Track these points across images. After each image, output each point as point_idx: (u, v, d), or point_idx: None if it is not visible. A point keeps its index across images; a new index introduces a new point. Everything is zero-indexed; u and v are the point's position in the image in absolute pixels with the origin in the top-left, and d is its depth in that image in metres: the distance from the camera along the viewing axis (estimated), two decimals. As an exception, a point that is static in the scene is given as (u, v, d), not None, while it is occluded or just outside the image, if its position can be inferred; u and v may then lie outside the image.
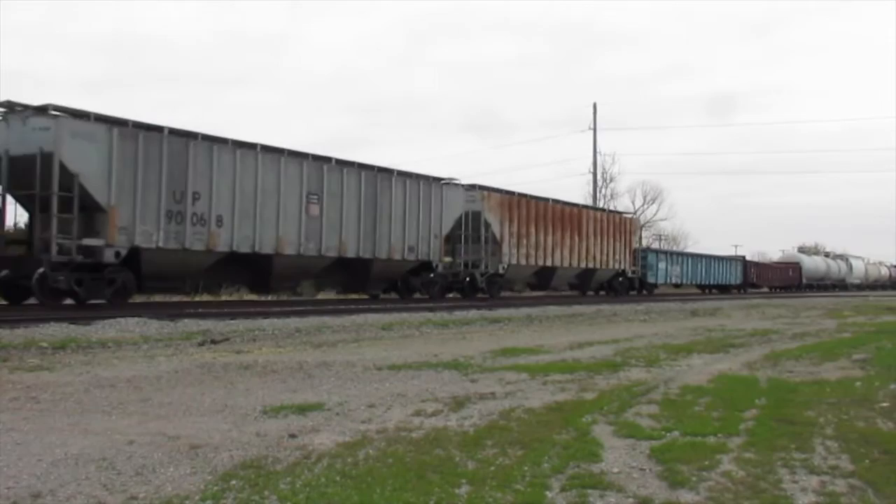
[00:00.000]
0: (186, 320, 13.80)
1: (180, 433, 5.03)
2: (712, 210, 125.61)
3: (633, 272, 37.44)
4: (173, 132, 17.48)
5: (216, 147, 18.33)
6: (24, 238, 17.34)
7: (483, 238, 27.04)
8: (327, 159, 21.27)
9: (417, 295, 24.69)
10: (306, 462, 4.36)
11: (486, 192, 27.46)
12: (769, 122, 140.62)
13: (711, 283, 49.29)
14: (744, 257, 58.28)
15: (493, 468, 4.29)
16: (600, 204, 61.49)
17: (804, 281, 66.56)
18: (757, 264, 60.77)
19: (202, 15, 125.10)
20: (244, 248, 18.90)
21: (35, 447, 4.59)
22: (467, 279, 27.10)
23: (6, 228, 16.97)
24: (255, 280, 20.79)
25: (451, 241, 26.54)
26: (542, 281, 31.76)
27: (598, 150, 54.79)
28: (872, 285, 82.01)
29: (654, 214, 71.44)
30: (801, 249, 74.09)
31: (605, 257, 34.49)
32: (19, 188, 16.18)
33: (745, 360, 10.25)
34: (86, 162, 15.84)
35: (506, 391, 7.05)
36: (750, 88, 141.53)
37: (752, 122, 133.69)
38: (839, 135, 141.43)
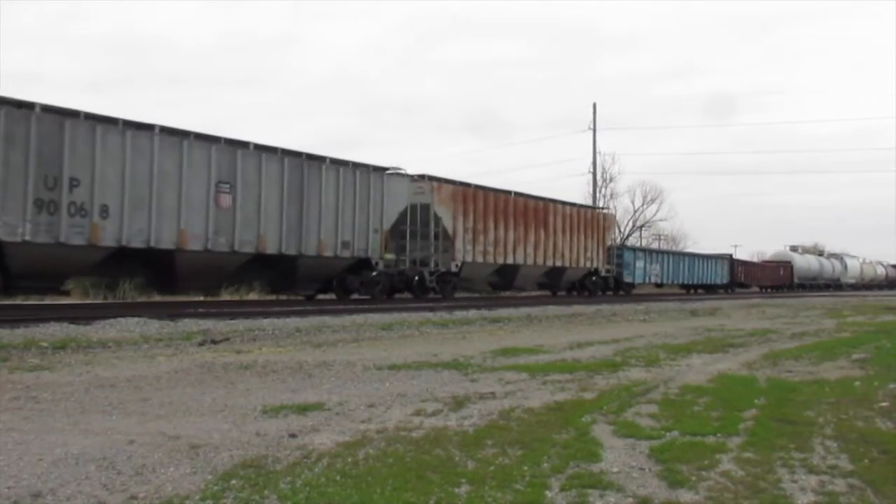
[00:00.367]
0: (186, 320, 13.80)
1: (180, 433, 5.03)
2: (712, 210, 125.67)
3: (608, 271, 35.49)
4: (47, 109, 15.24)
5: (100, 127, 15.94)
6: None
7: (433, 233, 24.74)
8: (243, 143, 18.83)
9: (356, 296, 22.60)
10: (306, 462, 4.36)
11: (435, 184, 24.96)
12: (769, 123, 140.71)
13: (695, 282, 47.26)
14: (731, 255, 55.48)
15: (492, 468, 4.30)
16: (600, 204, 61.51)
17: (796, 280, 64.42)
18: (745, 263, 58.02)
19: (206, 16, 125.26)
20: (137, 243, 16.57)
21: (35, 447, 4.59)
22: (416, 278, 24.64)
23: None
24: (158, 279, 18.38)
25: (397, 236, 24.28)
26: (505, 280, 29.28)
27: (597, 150, 54.63)
28: (868, 285, 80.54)
29: (654, 214, 71.36)
30: (793, 248, 71.60)
31: (575, 255, 32.24)
32: None
33: (744, 359, 10.25)
34: None
35: (506, 391, 7.06)
36: (750, 89, 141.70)
37: (753, 123, 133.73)
38: (839, 135, 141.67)
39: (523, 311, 20.77)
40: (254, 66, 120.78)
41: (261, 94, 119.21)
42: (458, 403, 6.33)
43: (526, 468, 4.30)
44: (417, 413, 5.91)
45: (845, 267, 75.60)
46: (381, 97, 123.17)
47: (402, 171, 23.63)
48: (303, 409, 5.93)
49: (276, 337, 12.16)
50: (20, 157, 14.76)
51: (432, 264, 24.90)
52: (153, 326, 12.79)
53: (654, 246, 64.00)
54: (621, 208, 71.28)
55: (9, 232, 14.67)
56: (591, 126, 53.51)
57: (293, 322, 14.38)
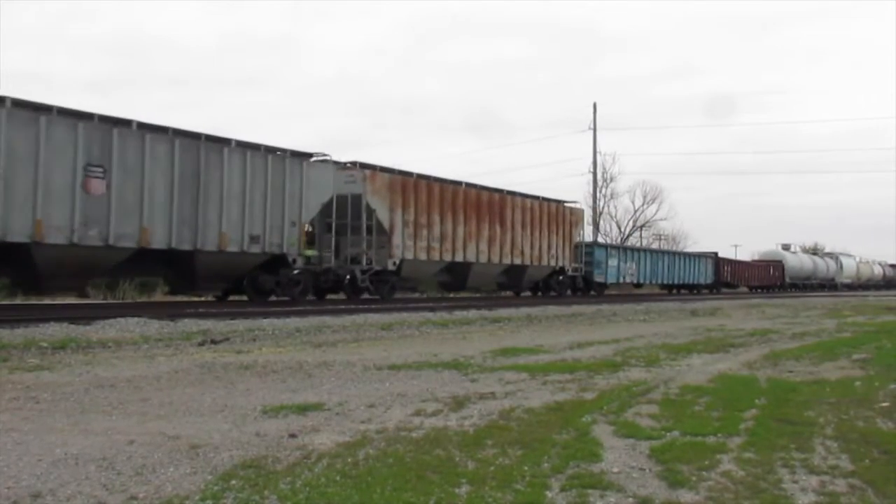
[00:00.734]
0: (186, 320, 13.80)
1: (180, 433, 5.03)
2: (712, 210, 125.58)
3: (575, 269, 32.90)
4: None
5: None
6: None
7: (365, 227, 22.17)
8: (123, 121, 16.26)
9: (274, 297, 20.11)
10: (306, 462, 4.36)
11: (368, 172, 22.37)
12: (769, 123, 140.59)
13: (676, 282, 44.51)
14: (716, 253, 52.06)
15: (493, 468, 4.29)
16: (600, 204, 61.46)
17: (788, 280, 61.50)
18: (732, 262, 54.71)
19: (206, 16, 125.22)
20: None
21: (35, 447, 4.59)
22: (347, 277, 22.50)
23: None
24: (17, 277, 16.21)
25: (322, 230, 21.91)
26: (457, 279, 26.78)
27: (598, 149, 54.56)
28: (865, 285, 77.74)
29: (655, 214, 71.34)
30: (785, 246, 67.80)
31: (537, 252, 29.58)
32: None
33: (744, 359, 10.25)
34: None
35: (506, 391, 7.05)
36: (750, 89, 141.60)
37: (753, 123, 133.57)
38: (839, 135, 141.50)
39: (523, 311, 20.78)
40: (254, 67, 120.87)
41: (261, 94, 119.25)
42: (459, 403, 6.33)
43: (526, 468, 4.29)
44: (417, 413, 5.91)
45: (840, 266, 72.88)
46: (381, 97, 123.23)
47: (328, 158, 21.06)
48: (303, 410, 5.93)
49: (276, 337, 12.17)
50: None
51: (364, 261, 22.30)
52: (153, 326, 12.79)
53: (655, 245, 64.01)
54: (621, 208, 71.42)
55: None
56: (592, 126, 53.50)
57: (293, 322, 14.39)
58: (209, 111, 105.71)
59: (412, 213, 23.48)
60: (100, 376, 7.52)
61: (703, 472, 4.30)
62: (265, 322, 14.08)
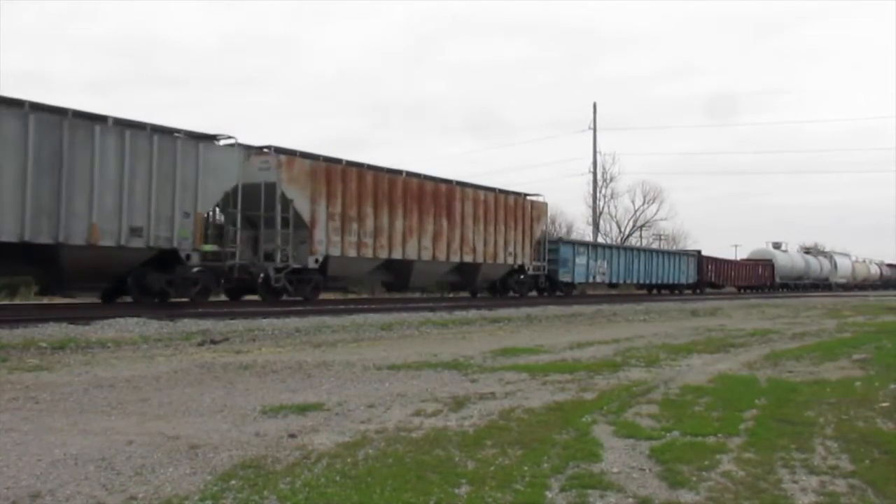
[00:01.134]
0: (186, 320, 13.80)
1: (179, 433, 5.02)
2: (712, 210, 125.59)
3: (537, 268, 30.05)
4: None
5: None
6: None
7: (280, 220, 19.64)
8: None
9: (174, 299, 17.39)
10: (306, 462, 4.35)
11: (284, 158, 19.87)
12: (769, 123, 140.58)
13: (654, 282, 41.33)
14: (699, 252, 48.96)
15: (492, 468, 4.29)
16: (600, 205, 61.44)
17: (778, 280, 58.67)
18: (717, 261, 51.01)
19: (208, 17, 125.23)
20: None
21: (34, 447, 4.58)
22: (262, 276, 19.98)
23: None
24: None
25: (229, 222, 19.41)
26: (398, 278, 24.31)
27: (598, 149, 54.59)
28: (861, 285, 75.53)
29: (655, 214, 71.39)
30: (776, 244, 64.43)
31: (492, 249, 26.96)
32: None
33: (745, 359, 10.25)
34: None
35: (506, 391, 7.05)
36: (750, 89, 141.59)
37: (753, 123, 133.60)
38: (840, 135, 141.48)
39: (523, 311, 20.79)
40: (255, 67, 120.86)
41: (263, 94, 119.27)
42: (458, 404, 6.33)
43: (526, 468, 4.29)
44: (417, 413, 5.90)
45: (835, 266, 70.13)
46: (382, 98, 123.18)
47: (230, 139, 18.18)
48: (302, 410, 5.92)
49: (275, 337, 12.16)
50: None
51: (279, 258, 19.84)
52: (152, 326, 12.79)
53: (654, 245, 64.03)
54: (621, 208, 71.43)
55: None
56: (592, 126, 53.53)
57: (293, 322, 14.39)
58: (210, 111, 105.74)
59: (339, 204, 21.01)
60: (99, 376, 7.51)
61: (704, 473, 4.29)
62: (265, 322, 14.09)
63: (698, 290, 45.77)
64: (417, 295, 26.76)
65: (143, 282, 16.78)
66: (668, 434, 5.27)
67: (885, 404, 6.66)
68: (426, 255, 24.07)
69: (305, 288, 20.68)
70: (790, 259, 63.29)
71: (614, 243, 46.36)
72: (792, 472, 4.39)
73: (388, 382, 7.48)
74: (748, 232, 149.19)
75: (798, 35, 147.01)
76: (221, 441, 4.84)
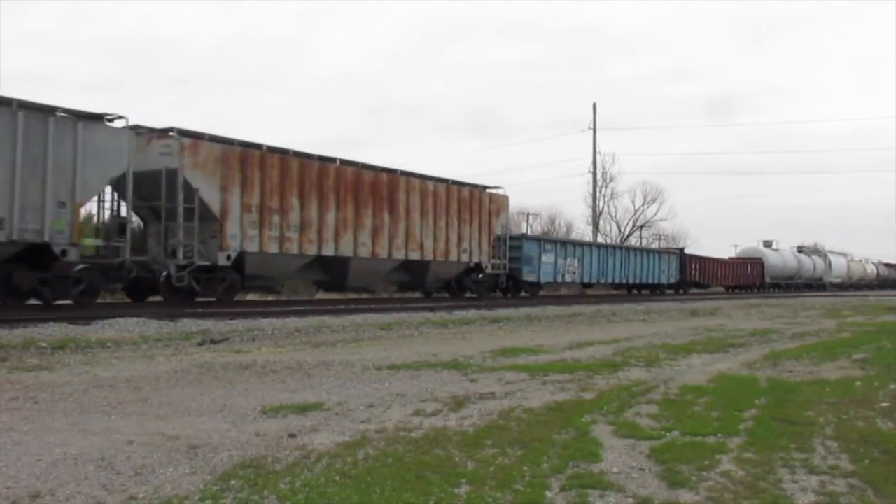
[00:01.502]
0: (186, 320, 13.80)
1: (179, 433, 5.02)
2: (713, 210, 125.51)
3: (495, 266, 27.64)
4: None
5: None
6: None
7: (182, 211, 17.35)
8: None
9: (37, 301, 15.30)
10: (306, 462, 4.35)
11: (188, 141, 17.59)
12: (770, 123, 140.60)
13: (632, 281, 38.81)
14: (681, 250, 46.71)
15: (492, 468, 4.29)
16: (600, 205, 61.34)
17: (768, 279, 56.60)
18: (701, 259, 48.28)
19: (212, 18, 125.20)
20: None
21: (34, 447, 4.58)
22: (164, 274, 17.94)
23: None
24: None
25: (120, 214, 17.46)
26: (335, 277, 22.27)
27: (598, 150, 54.57)
28: (857, 284, 73.24)
29: (655, 214, 71.31)
30: (767, 243, 62.96)
31: (443, 245, 24.72)
32: None
33: (744, 359, 10.25)
34: None
35: (505, 391, 7.05)
36: (750, 89, 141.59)
37: (753, 123, 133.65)
38: (840, 135, 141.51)
39: (523, 311, 20.81)
40: (258, 68, 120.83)
41: (266, 95, 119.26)
42: (458, 403, 6.33)
43: (526, 468, 4.29)
44: (417, 413, 5.90)
45: (829, 265, 67.97)
46: (384, 98, 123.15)
47: (118, 119, 15.92)
48: (302, 410, 5.92)
49: (275, 337, 12.16)
50: None
51: (181, 254, 17.59)
52: (152, 326, 12.78)
53: (655, 243, 63.92)
54: (621, 208, 71.33)
55: None
56: (592, 126, 53.50)
57: (292, 322, 14.39)
58: (213, 111, 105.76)
59: (256, 194, 18.74)
60: (99, 376, 7.51)
61: (703, 472, 4.29)
62: (264, 322, 14.08)
63: (681, 291, 43.66)
64: (366, 296, 24.87)
65: (10, 281, 14.59)
66: (667, 434, 5.27)
67: (884, 404, 6.67)
68: (364, 252, 21.92)
69: (217, 287, 18.51)
70: (781, 258, 60.90)
71: (587, 241, 43.34)
72: (792, 471, 4.39)
73: (388, 382, 7.48)
74: (748, 232, 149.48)
75: (798, 35, 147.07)
76: (221, 441, 4.84)
